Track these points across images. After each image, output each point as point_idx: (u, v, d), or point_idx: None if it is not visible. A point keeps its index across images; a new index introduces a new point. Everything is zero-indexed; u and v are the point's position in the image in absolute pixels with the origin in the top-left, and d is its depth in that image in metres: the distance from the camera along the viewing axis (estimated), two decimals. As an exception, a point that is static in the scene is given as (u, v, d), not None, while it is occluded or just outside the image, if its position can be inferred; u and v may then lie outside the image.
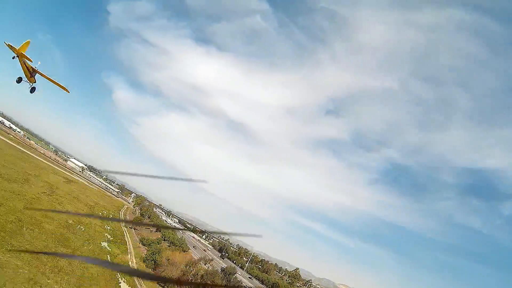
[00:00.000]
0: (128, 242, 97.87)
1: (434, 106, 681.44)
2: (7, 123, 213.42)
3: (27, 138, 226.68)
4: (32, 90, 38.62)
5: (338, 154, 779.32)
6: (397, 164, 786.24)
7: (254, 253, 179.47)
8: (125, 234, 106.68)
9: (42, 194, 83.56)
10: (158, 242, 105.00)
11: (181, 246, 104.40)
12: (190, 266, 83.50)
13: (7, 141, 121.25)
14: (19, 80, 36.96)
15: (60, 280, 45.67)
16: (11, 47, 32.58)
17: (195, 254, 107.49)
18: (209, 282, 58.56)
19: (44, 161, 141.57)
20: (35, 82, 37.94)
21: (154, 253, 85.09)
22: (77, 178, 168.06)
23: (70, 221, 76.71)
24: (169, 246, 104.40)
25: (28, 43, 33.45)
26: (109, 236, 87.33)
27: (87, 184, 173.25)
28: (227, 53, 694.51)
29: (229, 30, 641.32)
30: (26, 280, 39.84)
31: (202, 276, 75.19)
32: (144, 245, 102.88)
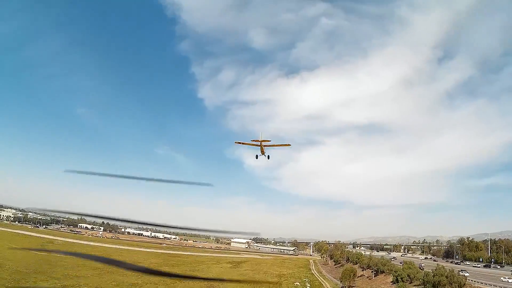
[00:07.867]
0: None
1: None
2: (160, 235, 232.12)
3: (184, 240, 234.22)
4: (268, 157, 56.27)
5: (476, 93, 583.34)
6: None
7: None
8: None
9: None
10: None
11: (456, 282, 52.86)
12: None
13: (153, 250, 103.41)
14: (257, 157, 55.79)
15: None
16: (256, 140, 53.35)
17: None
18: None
19: (203, 254, 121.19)
20: (264, 153, 54.80)
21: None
22: (247, 255, 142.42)
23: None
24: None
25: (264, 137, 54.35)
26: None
27: (260, 257, 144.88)
28: (318, 69, 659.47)
29: (307, 48, 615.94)
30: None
31: None
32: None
